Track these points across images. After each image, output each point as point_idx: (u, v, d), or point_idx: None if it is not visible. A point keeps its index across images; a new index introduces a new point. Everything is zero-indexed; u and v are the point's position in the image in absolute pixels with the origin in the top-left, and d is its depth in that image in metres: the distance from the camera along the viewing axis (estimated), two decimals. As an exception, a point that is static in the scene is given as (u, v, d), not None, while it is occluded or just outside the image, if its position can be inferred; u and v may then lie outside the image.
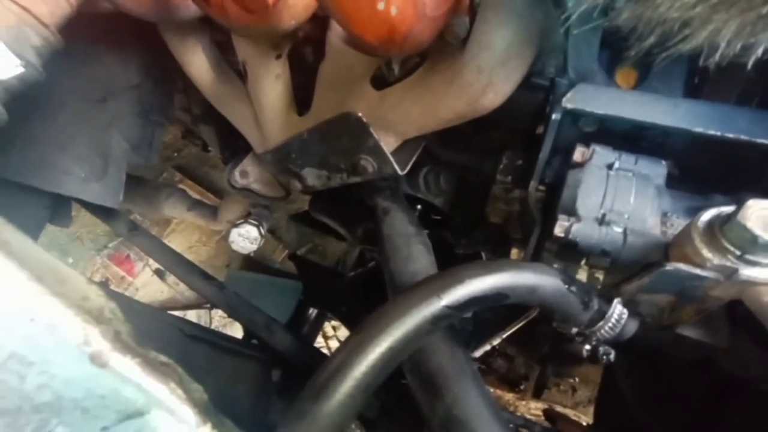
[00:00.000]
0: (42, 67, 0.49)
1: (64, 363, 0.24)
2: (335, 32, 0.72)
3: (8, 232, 0.28)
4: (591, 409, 2.01)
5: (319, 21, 0.76)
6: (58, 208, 0.86)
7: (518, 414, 1.83)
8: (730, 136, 0.52)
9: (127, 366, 0.26)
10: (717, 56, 0.41)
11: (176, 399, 0.27)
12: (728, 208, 0.42)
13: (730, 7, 0.39)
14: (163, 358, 0.28)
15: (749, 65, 0.41)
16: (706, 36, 0.41)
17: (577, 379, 2.20)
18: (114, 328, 0.26)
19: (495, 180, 0.83)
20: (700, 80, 0.65)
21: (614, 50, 0.68)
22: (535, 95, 0.70)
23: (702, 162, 0.57)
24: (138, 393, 0.26)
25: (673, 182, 0.59)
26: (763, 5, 0.38)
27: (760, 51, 0.40)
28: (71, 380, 0.24)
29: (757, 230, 0.38)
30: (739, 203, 0.42)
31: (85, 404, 0.24)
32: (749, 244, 0.39)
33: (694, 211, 0.49)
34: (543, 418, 1.70)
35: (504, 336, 0.63)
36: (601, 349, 0.49)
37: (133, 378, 0.26)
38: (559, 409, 2.02)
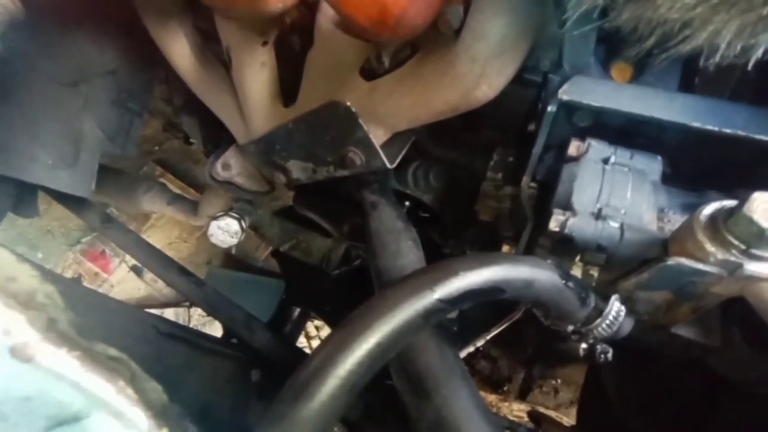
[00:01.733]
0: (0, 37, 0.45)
1: (-25, 358, 0.20)
2: (325, 15, 0.70)
3: None
4: (573, 411, 2.02)
5: (307, 8, 0.73)
6: (23, 196, 0.81)
7: (501, 416, 1.83)
8: (728, 131, 0.51)
9: (61, 361, 0.21)
10: (717, 57, 0.40)
11: (124, 400, 0.22)
12: (731, 202, 0.41)
13: (731, 7, 0.39)
14: (113, 352, 0.24)
15: (750, 66, 0.40)
16: (706, 37, 0.40)
17: (559, 381, 2.21)
18: (48, 315, 0.22)
19: (485, 177, 0.82)
20: (694, 76, 0.65)
21: (610, 45, 0.67)
22: (527, 91, 0.69)
23: (697, 158, 0.56)
24: (74, 393, 0.21)
25: (666, 180, 0.58)
26: (763, 6, 0.38)
27: (760, 51, 0.40)
28: (-17, 379, 0.20)
29: (764, 223, 0.37)
30: (740, 198, 0.40)
31: (2, 409, 0.20)
32: (755, 238, 0.38)
33: (690, 208, 0.48)
34: (526, 419, 1.70)
35: (488, 337, 0.62)
36: (599, 348, 0.47)
37: (68, 375, 0.22)
38: (541, 410, 2.02)
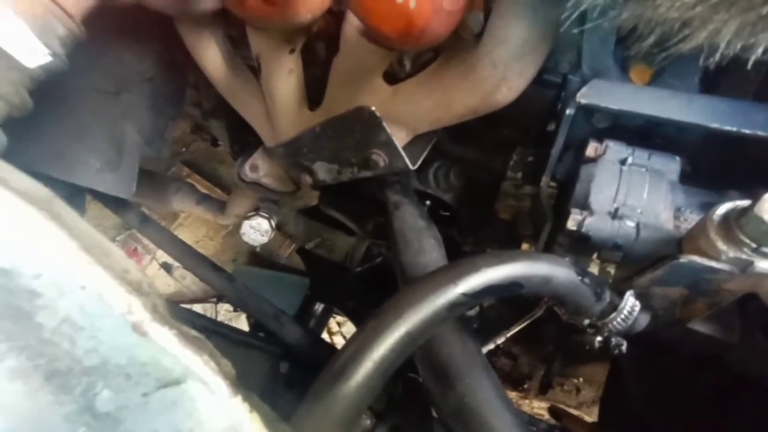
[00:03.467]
0: (66, 57, 0.50)
1: (109, 330, 0.25)
2: (351, 24, 0.73)
3: (59, 205, 0.30)
4: (595, 410, 2.00)
5: (332, 16, 0.77)
6: (72, 198, 0.87)
7: (522, 411, 1.83)
8: (747, 131, 0.52)
9: (166, 336, 0.27)
10: (717, 56, 0.41)
11: (209, 371, 0.28)
12: (744, 202, 0.42)
13: (730, 7, 0.39)
14: (195, 333, 0.29)
15: (749, 65, 0.41)
16: (705, 36, 0.41)
17: (581, 379, 2.19)
18: (152, 301, 0.27)
19: (505, 176, 0.84)
20: (715, 77, 0.65)
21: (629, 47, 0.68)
22: (547, 92, 0.70)
23: (716, 158, 0.57)
24: (175, 363, 0.27)
25: (685, 179, 0.59)
26: (763, 5, 0.38)
27: (760, 51, 0.40)
28: (116, 346, 0.25)
29: (774, 223, 0.38)
30: (755, 198, 0.42)
31: (128, 370, 0.25)
32: (765, 237, 0.40)
33: (707, 207, 0.49)
34: (547, 417, 1.70)
35: (508, 335, 0.63)
36: (613, 341, 0.49)
37: (170, 348, 0.27)
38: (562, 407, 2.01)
